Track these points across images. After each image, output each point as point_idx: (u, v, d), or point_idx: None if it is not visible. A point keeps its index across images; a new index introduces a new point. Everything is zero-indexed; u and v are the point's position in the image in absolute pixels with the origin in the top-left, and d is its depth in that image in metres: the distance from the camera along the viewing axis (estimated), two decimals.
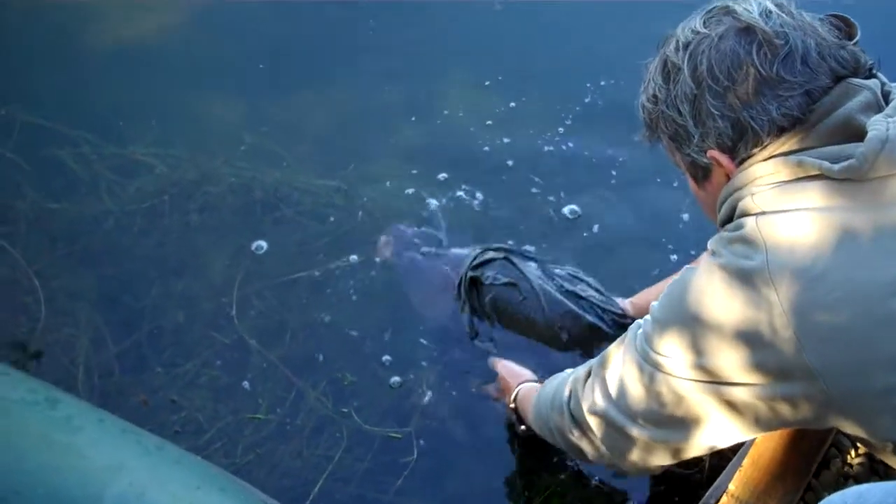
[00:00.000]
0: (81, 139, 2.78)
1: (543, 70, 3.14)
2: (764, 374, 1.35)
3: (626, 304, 2.36)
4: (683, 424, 1.50)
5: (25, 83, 3.02)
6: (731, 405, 1.42)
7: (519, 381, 2.12)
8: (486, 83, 3.07)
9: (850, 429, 1.38)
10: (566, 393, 1.73)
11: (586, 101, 3.00)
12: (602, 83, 3.03)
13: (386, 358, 2.34)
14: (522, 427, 2.07)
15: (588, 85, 3.03)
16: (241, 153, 2.80)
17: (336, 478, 2.12)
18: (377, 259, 2.54)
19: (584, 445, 1.70)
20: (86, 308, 2.38)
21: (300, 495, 2.08)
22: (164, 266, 2.51)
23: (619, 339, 1.62)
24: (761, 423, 1.44)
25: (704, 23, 1.45)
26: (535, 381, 2.08)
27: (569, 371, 1.81)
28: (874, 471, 1.81)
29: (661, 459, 1.60)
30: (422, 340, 2.37)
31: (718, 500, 1.70)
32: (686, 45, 1.45)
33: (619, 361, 1.58)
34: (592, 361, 1.69)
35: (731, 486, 1.70)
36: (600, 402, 1.61)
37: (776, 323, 1.31)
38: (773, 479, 1.71)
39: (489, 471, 2.16)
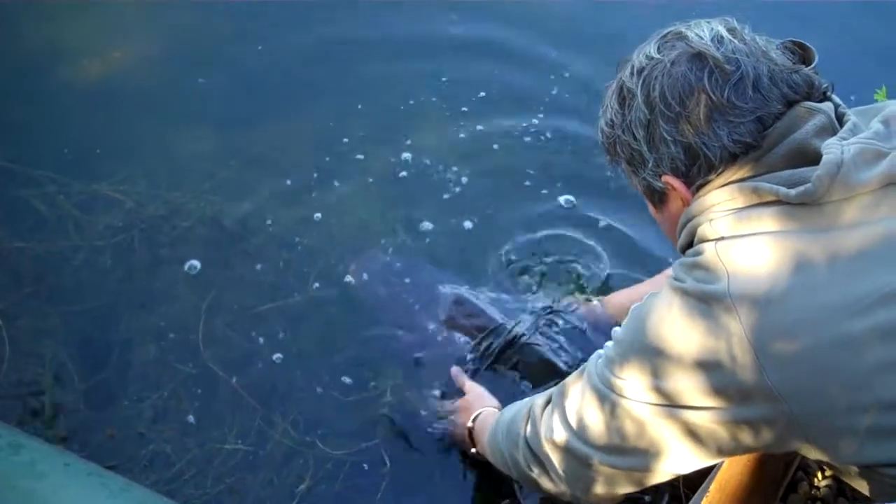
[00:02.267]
0: (46, 178, 2.77)
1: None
2: (725, 398, 1.35)
3: (597, 302, 2.39)
4: (645, 452, 1.48)
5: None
6: (692, 431, 1.41)
7: (483, 404, 2.11)
8: (457, 111, 3.11)
9: (814, 453, 1.39)
10: (523, 423, 1.71)
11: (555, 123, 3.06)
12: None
13: (347, 380, 2.36)
14: (473, 451, 2.06)
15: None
16: (210, 186, 2.80)
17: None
18: (349, 279, 2.57)
19: (544, 481, 1.68)
20: (51, 345, 2.37)
21: None
22: (131, 301, 2.50)
23: (579, 370, 1.61)
24: (723, 451, 1.43)
25: (658, 48, 1.47)
26: (498, 409, 2.05)
27: (526, 400, 1.78)
28: (841, 492, 1.83)
29: (625, 488, 1.58)
30: (391, 367, 2.39)
31: None
32: (640, 71, 1.47)
33: (579, 390, 1.57)
34: (552, 390, 1.68)
35: None
36: (560, 431, 1.59)
37: (737, 346, 1.31)
38: None
39: (458, 485, 2.18)
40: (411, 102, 3.14)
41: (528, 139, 3.05)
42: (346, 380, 2.37)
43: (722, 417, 1.37)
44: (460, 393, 2.25)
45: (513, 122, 3.09)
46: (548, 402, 1.66)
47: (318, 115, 3.08)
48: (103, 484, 1.62)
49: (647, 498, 2.05)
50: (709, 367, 1.34)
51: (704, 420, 1.39)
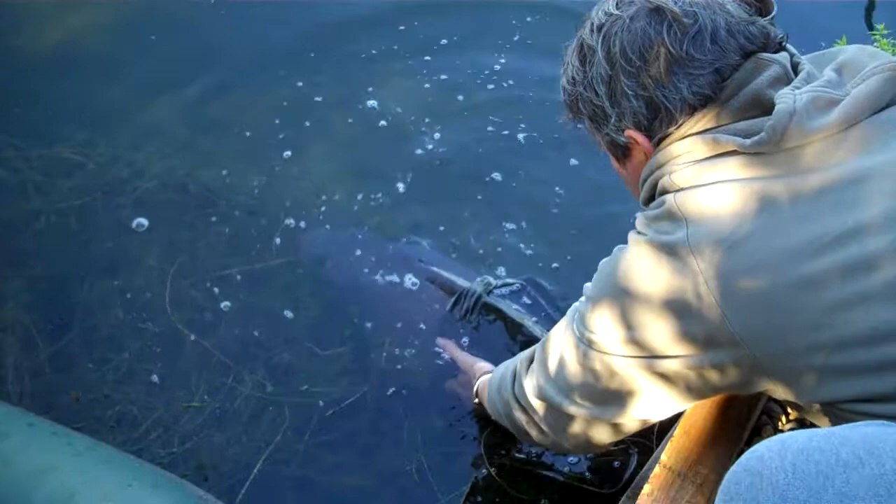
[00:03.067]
0: (4, 143, 2.74)
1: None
2: (692, 344, 1.39)
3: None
4: (618, 399, 1.54)
5: None
6: (663, 376, 1.46)
7: (476, 373, 2.14)
8: (425, 83, 3.10)
9: (779, 392, 1.42)
10: (510, 376, 1.77)
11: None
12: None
13: (315, 336, 2.38)
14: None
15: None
16: (172, 150, 2.79)
17: (276, 460, 2.15)
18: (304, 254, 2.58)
19: (530, 428, 1.74)
20: (13, 310, 2.37)
21: (239, 481, 2.11)
22: (94, 264, 2.50)
23: (557, 325, 1.66)
24: (693, 392, 1.47)
25: (617, 4, 1.48)
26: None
27: (512, 360, 1.85)
28: None
29: (602, 435, 1.64)
30: (356, 323, 2.42)
31: (652, 471, 1.69)
32: (600, 27, 1.48)
33: (558, 343, 1.62)
34: (534, 347, 1.74)
35: (664, 457, 1.70)
36: (540, 382, 1.65)
37: (700, 292, 1.34)
38: (705, 448, 1.72)
39: (429, 437, 2.20)
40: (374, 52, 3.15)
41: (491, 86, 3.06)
42: (315, 336, 2.39)
43: (691, 363, 1.41)
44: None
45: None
46: (531, 360, 1.72)
47: (280, 75, 3.07)
48: (69, 444, 1.63)
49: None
50: (676, 311, 1.38)
51: (674, 366, 1.43)
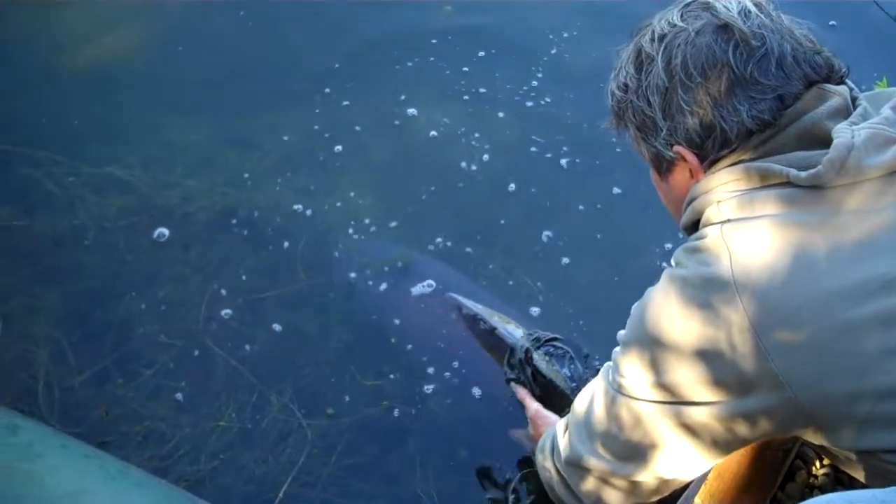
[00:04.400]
0: (48, 159, 2.76)
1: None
2: (725, 390, 1.34)
3: None
4: (639, 453, 1.48)
5: None
6: (688, 428, 1.41)
7: (545, 423, 2.04)
8: (459, 97, 3.09)
9: (816, 438, 1.38)
10: (549, 444, 1.73)
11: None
12: None
13: (348, 362, 2.36)
14: None
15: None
16: (212, 171, 2.81)
17: (301, 483, 2.13)
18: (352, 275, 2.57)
19: (554, 485, 1.69)
20: (47, 323, 2.37)
21: (266, 501, 2.09)
22: (130, 282, 2.50)
23: (592, 381, 1.61)
24: (718, 447, 1.43)
25: (682, 16, 1.44)
26: None
27: (555, 422, 1.79)
28: (839, 481, 1.82)
29: (616, 496, 1.57)
30: (389, 354, 2.40)
31: None
32: (662, 37, 1.44)
33: (589, 391, 1.58)
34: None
35: (697, 500, 1.66)
36: (570, 432, 1.61)
37: (739, 333, 1.30)
38: (739, 492, 1.70)
39: (456, 467, 2.18)
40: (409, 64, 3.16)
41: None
42: (346, 360, 2.38)
43: (721, 413, 1.37)
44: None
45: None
46: (566, 422, 1.68)
47: (315, 94, 3.08)
48: (101, 466, 1.63)
49: None
50: (708, 357, 1.34)
51: (703, 416, 1.38)
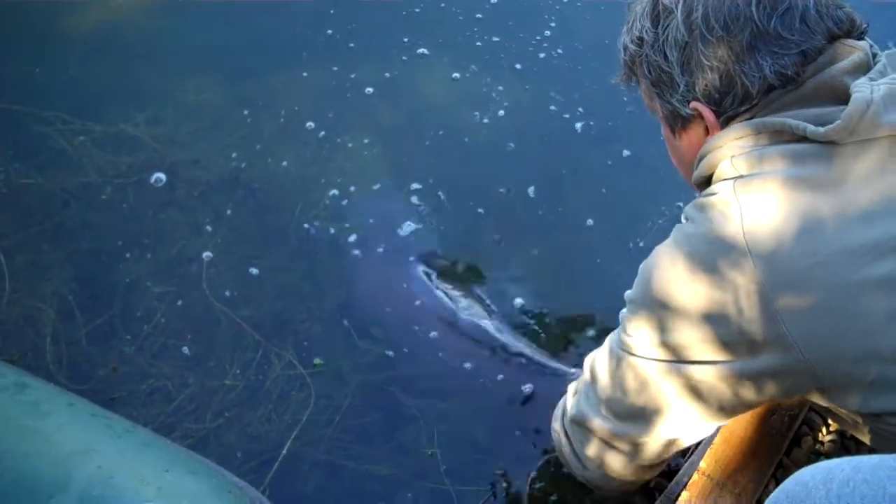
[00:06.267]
0: (56, 118, 2.75)
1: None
2: (733, 350, 1.34)
3: None
4: (643, 414, 1.49)
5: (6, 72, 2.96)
6: (694, 389, 1.41)
7: None
8: (462, 73, 3.06)
9: (824, 400, 1.39)
10: (560, 407, 1.74)
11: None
12: None
13: (349, 322, 2.37)
14: None
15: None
16: (221, 135, 2.79)
17: (304, 441, 2.15)
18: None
19: (561, 448, 1.70)
20: (55, 280, 2.38)
21: (269, 460, 2.11)
22: (138, 241, 2.51)
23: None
24: (724, 408, 1.43)
25: None
26: None
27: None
28: (845, 447, 1.84)
29: (618, 459, 1.58)
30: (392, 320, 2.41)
31: (690, 478, 1.70)
32: None
33: (598, 353, 1.59)
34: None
35: (703, 464, 1.70)
36: (578, 394, 1.62)
37: (752, 290, 1.29)
38: (745, 457, 1.72)
39: (464, 430, 2.19)
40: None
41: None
42: (351, 320, 2.38)
43: (728, 372, 1.36)
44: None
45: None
46: (577, 384, 1.68)
47: (328, 61, 3.06)
48: (108, 425, 1.63)
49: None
50: (715, 318, 1.33)
51: (709, 376, 1.38)
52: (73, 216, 2.55)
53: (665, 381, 1.43)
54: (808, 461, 1.74)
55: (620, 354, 1.49)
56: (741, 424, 1.76)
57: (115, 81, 2.92)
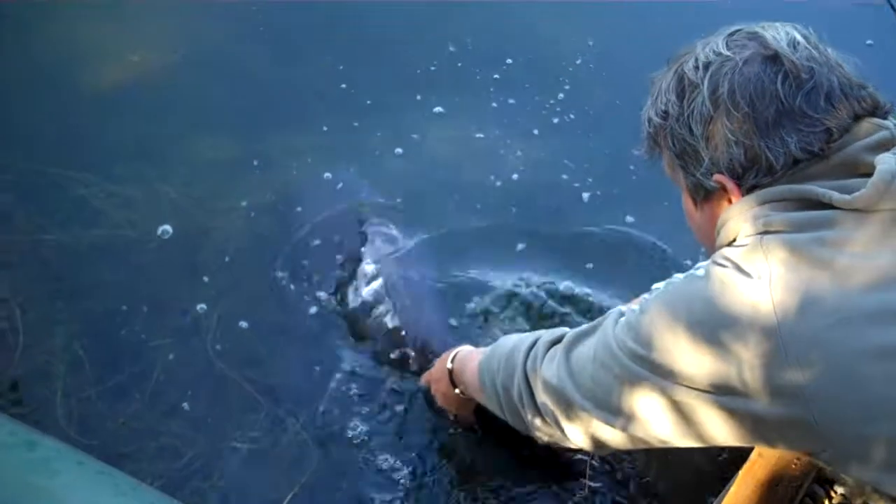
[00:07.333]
0: (80, 179, 2.81)
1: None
2: (733, 389, 1.34)
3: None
4: (630, 415, 1.49)
5: (23, 132, 3.00)
6: (682, 411, 1.41)
7: (451, 353, 2.07)
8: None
9: (828, 461, 1.38)
10: (525, 350, 1.70)
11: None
12: None
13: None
14: (457, 390, 2.03)
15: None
16: (236, 194, 2.84)
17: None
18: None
19: (527, 410, 1.68)
20: (66, 336, 2.40)
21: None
22: (152, 299, 2.53)
23: (596, 321, 1.60)
24: (702, 437, 1.43)
25: (727, 45, 1.44)
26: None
27: (531, 333, 1.78)
28: None
29: (610, 436, 1.57)
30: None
31: None
32: (707, 65, 1.44)
33: (591, 342, 1.56)
34: (562, 331, 1.68)
35: None
36: (560, 372, 1.59)
37: (771, 337, 1.29)
38: None
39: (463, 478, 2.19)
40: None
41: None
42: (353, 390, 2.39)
43: (721, 404, 1.37)
44: None
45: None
46: (555, 342, 1.66)
47: (343, 117, 3.12)
48: (114, 484, 1.65)
49: None
50: (732, 353, 1.33)
51: (704, 405, 1.38)
52: (88, 272, 2.58)
53: (656, 398, 1.43)
54: None
55: (619, 357, 1.47)
56: (745, 494, 1.73)
57: (133, 140, 2.98)
